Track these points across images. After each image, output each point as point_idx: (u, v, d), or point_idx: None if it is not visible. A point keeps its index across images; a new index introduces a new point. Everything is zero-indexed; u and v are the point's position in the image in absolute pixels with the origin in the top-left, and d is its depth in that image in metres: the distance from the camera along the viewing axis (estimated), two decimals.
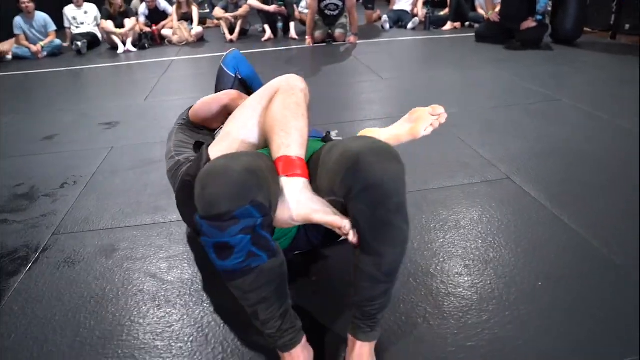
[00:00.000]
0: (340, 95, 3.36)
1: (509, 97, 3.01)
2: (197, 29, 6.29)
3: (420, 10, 6.49)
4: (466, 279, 1.34)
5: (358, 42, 5.44)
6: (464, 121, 2.60)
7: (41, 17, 5.98)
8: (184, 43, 6.16)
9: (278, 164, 1.02)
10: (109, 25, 5.94)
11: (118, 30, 5.96)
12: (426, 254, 1.46)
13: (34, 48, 5.85)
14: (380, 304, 1.02)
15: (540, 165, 2.00)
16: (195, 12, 6.34)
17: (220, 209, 0.87)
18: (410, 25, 6.25)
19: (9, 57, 5.81)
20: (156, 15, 6.51)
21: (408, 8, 6.62)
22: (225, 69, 1.71)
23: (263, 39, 6.00)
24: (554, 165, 2.00)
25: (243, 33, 6.41)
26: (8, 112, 3.45)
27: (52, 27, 6.06)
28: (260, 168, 0.96)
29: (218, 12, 6.24)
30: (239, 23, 6.19)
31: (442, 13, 6.52)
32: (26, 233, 1.75)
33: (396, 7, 6.68)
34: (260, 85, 1.77)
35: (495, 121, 2.58)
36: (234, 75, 1.71)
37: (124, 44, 5.98)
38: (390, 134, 1.28)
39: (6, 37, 5.89)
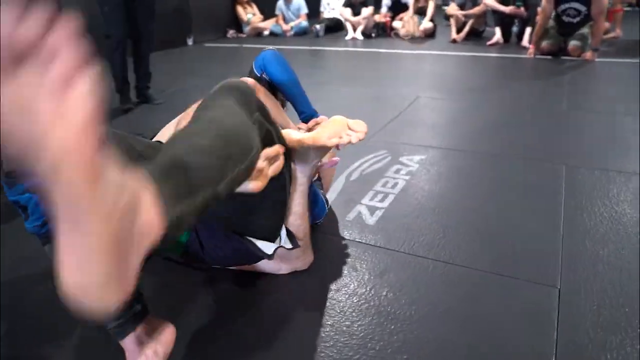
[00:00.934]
0: (491, 125, 2.76)
1: None
2: (426, 24, 6.08)
3: None
4: None
5: (608, 60, 4.26)
6: (586, 184, 1.78)
7: (298, 1, 6.83)
8: (409, 37, 6.05)
9: None
10: (345, 12, 6.34)
11: (351, 18, 6.29)
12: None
13: (285, 27, 6.77)
14: None
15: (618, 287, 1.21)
16: (431, 6, 6.12)
17: (12, 166, 0.84)
18: None
19: (266, 32, 6.89)
20: (398, 7, 6.56)
21: None
22: (254, 68, 1.62)
23: (488, 43, 5.35)
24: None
25: (476, 34, 5.86)
26: (210, 76, 4.14)
27: (304, 10, 6.86)
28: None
29: (451, 8, 5.86)
30: (469, 22, 5.69)
31: None
32: None
33: None
34: (298, 93, 1.60)
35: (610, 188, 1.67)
36: (259, 76, 1.60)
37: (354, 31, 6.29)
38: (297, 138, 1.05)
39: (269, 16, 6.98)
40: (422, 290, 1.25)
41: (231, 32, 6.90)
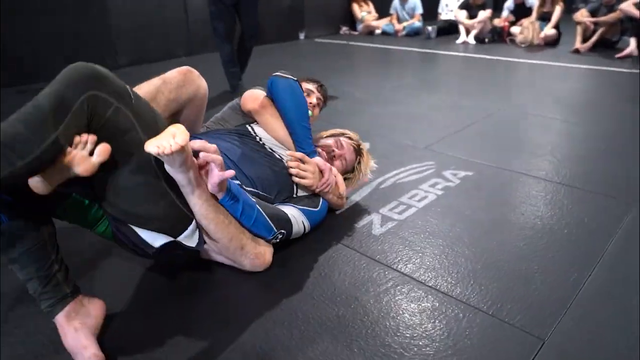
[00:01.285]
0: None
1: None
2: (548, 30, 5.52)
3: None
4: None
5: None
6: None
7: (413, 1, 6.68)
8: (526, 44, 5.57)
9: None
10: (460, 14, 6.05)
11: (465, 21, 5.98)
12: None
13: (397, 26, 6.68)
14: None
15: None
16: (557, 11, 5.54)
17: None
18: None
19: (378, 31, 6.86)
20: (521, 11, 6.08)
21: None
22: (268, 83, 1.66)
23: (618, 55, 4.69)
24: None
25: (608, 44, 5.17)
26: (300, 71, 4.27)
27: (419, 10, 6.69)
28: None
29: (580, 14, 5.24)
30: (599, 31, 5.04)
31: None
32: None
33: None
34: (299, 128, 1.55)
35: None
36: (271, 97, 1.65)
37: (467, 34, 5.97)
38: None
39: (383, 15, 6.94)
40: (391, 310, 1.20)
41: (344, 29, 7.01)
